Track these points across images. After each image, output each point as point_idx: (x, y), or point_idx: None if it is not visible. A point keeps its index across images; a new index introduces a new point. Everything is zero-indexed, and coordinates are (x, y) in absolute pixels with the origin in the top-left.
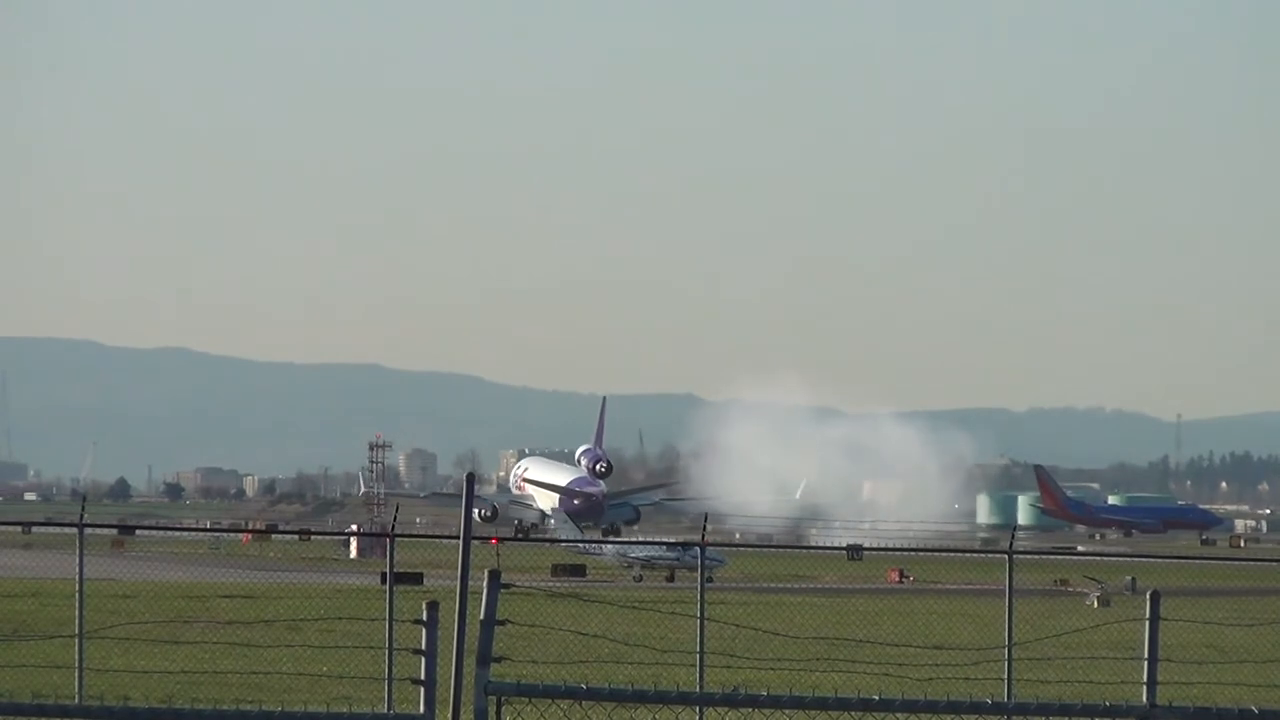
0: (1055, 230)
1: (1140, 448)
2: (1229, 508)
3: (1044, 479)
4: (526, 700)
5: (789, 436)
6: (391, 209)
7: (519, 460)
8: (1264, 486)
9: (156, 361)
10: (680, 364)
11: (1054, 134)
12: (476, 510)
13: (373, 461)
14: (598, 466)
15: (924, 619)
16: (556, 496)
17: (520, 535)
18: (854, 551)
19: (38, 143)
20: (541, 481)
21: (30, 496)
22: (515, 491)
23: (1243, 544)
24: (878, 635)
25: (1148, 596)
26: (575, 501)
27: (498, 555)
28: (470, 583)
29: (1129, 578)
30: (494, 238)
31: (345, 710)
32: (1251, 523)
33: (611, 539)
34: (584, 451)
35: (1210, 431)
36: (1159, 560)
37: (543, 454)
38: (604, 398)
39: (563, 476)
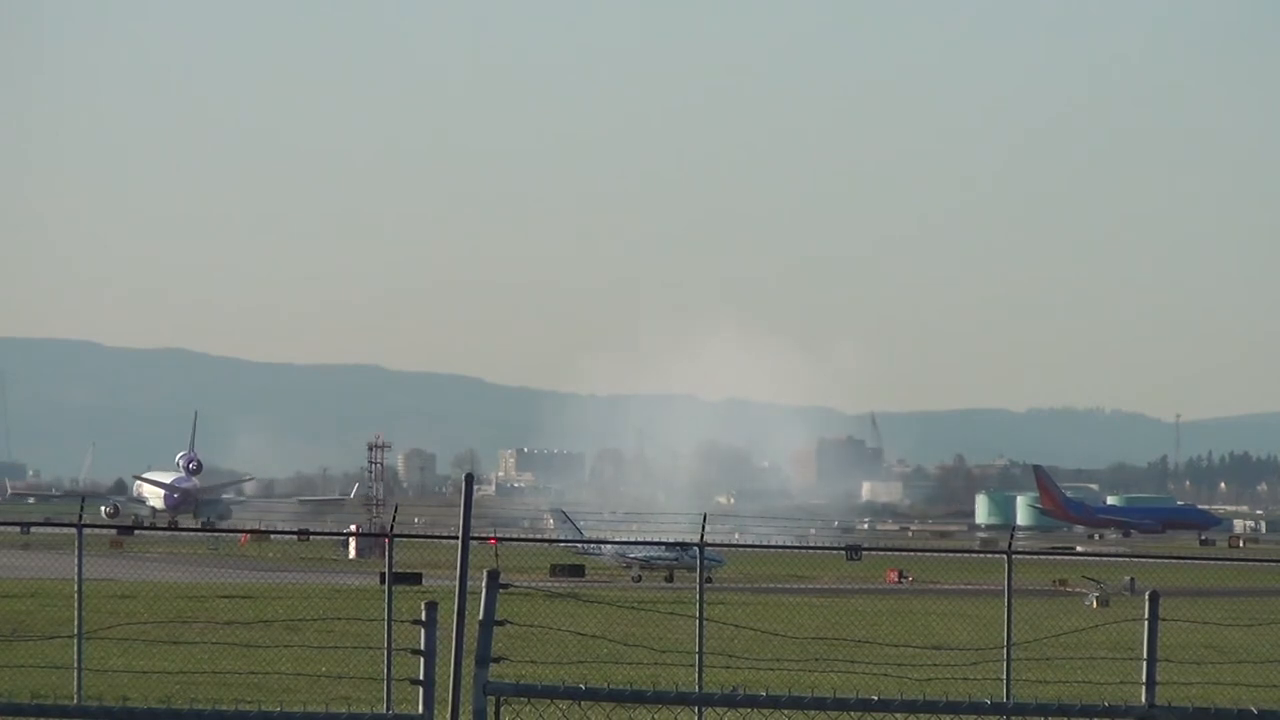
0: (1055, 230)
1: (1139, 448)
2: (1228, 508)
3: (1043, 479)
4: (525, 700)
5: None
6: (391, 209)
7: (514, 458)
8: (1263, 487)
9: (156, 361)
10: (681, 364)
11: (1054, 133)
12: (101, 509)
13: (372, 462)
14: (190, 465)
15: (923, 619)
16: (163, 492)
17: (138, 528)
18: (853, 552)
19: (38, 142)
20: (151, 480)
21: (31, 501)
22: (135, 494)
23: (1241, 544)
24: (877, 635)
25: (1146, 597)
26: (175, 495)
27: (496, 555)
28: (469, 583)
29: (1128, 578)
30: (494, 237)
31: (344, 710)
32: (1250, 523)
33: (610, 539)
34: (181, 455)
35: (1209, 432)
36: (1158, 560)
37: (540, 455)
38: (195, 412)
39: (167, 477)
